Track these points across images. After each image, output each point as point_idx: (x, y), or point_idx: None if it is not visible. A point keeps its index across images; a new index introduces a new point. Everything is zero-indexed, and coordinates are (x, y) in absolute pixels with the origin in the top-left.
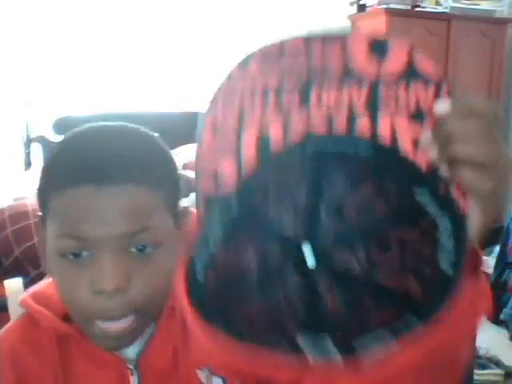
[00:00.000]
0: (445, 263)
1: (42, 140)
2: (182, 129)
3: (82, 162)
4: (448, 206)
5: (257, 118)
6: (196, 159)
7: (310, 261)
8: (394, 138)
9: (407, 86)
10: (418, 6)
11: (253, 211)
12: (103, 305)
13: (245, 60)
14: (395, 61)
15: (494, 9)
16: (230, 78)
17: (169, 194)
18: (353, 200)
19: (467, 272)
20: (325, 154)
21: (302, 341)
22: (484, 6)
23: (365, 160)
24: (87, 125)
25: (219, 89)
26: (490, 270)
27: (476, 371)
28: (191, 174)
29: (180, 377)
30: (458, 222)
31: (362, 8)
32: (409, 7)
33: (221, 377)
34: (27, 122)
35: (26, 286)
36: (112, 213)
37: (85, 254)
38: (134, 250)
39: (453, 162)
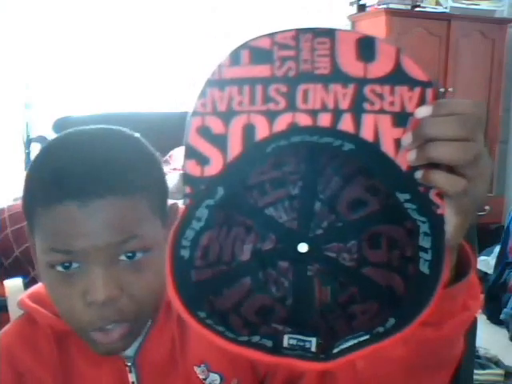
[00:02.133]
0: (424, 265)
1: (41, 140)
2: (182, 129)
3: (64, 176)
4: (426, 208)
5: (244, 106)
6: (185, 140)
7: (302, 246)
8: (376, 137)
9: (393, 88)
10: (418, 6)
11: (238, 196)
12: (96, 315)
13: (236, 50)
14: (382, 63)
15: (494, 9)
16: (220, 66)
17: (155, 197)
18: (344, 193)
19: (457, 272)
20: (310, 144)
21: (287, 343)
22: (484, 5)
23: (349, 154)
24: (68, 131)
25: (210, 76)
26: (490, 270)
27: (476, 371)
28: None
29: (178, 372)
30: (436, 224)
31: (362, 8)
32: (409, 7)
33: (218, 373)
34: (27, 122)
35: (26, 285)
36: (98, 225)
37: (74, 265)
38: (123, 257)
39: (429, 164)
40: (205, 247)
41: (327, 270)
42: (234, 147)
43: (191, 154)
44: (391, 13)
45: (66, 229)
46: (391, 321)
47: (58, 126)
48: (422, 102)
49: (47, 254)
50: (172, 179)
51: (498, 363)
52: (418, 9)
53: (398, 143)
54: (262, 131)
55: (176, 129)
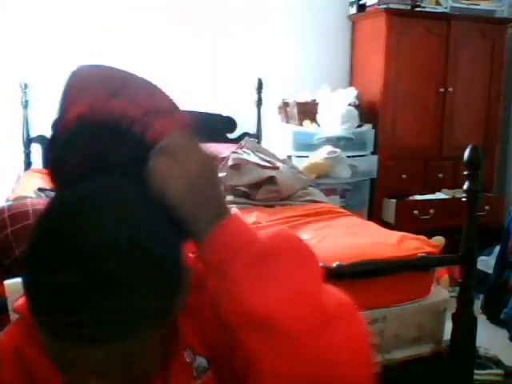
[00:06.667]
0: None
1: (41, 140)
2: None
3: (64, 315)
4: None
5: None
6: None
7: None
8: None
9: None
10: (418, 6)
11: None
12: None
13: None
14: None
15: (494, 9)
16: None
17: (164, 315)
18: None
19: None
20: None
21: None
22: (484, 5)
23: None
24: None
25: None
26: (490, 270)
27: (476, 371)
28: None
29: (172, 358)
30: None
31: (362, 8)
32: (409, 7)
33: (204, 356)
34: (27, 122)
35: None
36: (98, 364)
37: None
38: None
39: None
40: None
41: None
42: None
43: None
44: (391, 13)
45: (64, 360)
46: None
47: None
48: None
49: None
50: None
51: (498, 363)
52: (418, 9)
53: None
54: None
55: None
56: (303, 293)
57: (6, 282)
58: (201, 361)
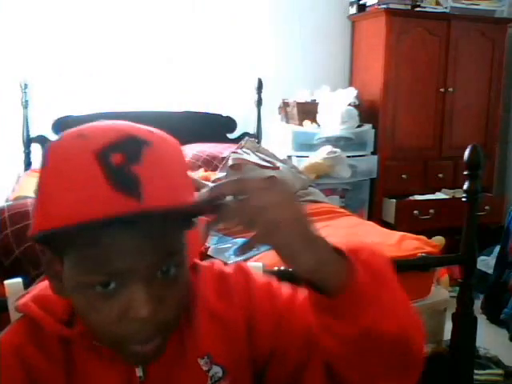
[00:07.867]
0: None
1: (41, 140)
2: (182, 128)
3: None
4: None
5: None
6: None
7: None
8: None
9: None
10: (418, 6)
11: None
12: (138, 330)
13: None
14: None
15: (493, 9)
16: None
17: (189, 215)
18: None
19: None
20: None
21: None
22: (484, 5)
23: None
24: None
25: None
26: (490, 270)
27: (476, 371)
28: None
29: (183, 365)
30: None
31: (362, 8)
32: (409, 7)
33: (220, 365)
34: (27, 122)
35: (26, 286)
36: (141, 245)
37: (112, 284)
38: (159, 273)
39: None
40: None
41: None
42: None
43: None
44: (391, 13)
45: (110, 249)
46: None
47: (58, 125)
48: None
49: (85, 276)
50: None
51: (498, 363)
52: (418, 9)
53: None
54: None
55: (176, 128)
56: (407, 301)
57: (6, 282)
58: (217, 370)
